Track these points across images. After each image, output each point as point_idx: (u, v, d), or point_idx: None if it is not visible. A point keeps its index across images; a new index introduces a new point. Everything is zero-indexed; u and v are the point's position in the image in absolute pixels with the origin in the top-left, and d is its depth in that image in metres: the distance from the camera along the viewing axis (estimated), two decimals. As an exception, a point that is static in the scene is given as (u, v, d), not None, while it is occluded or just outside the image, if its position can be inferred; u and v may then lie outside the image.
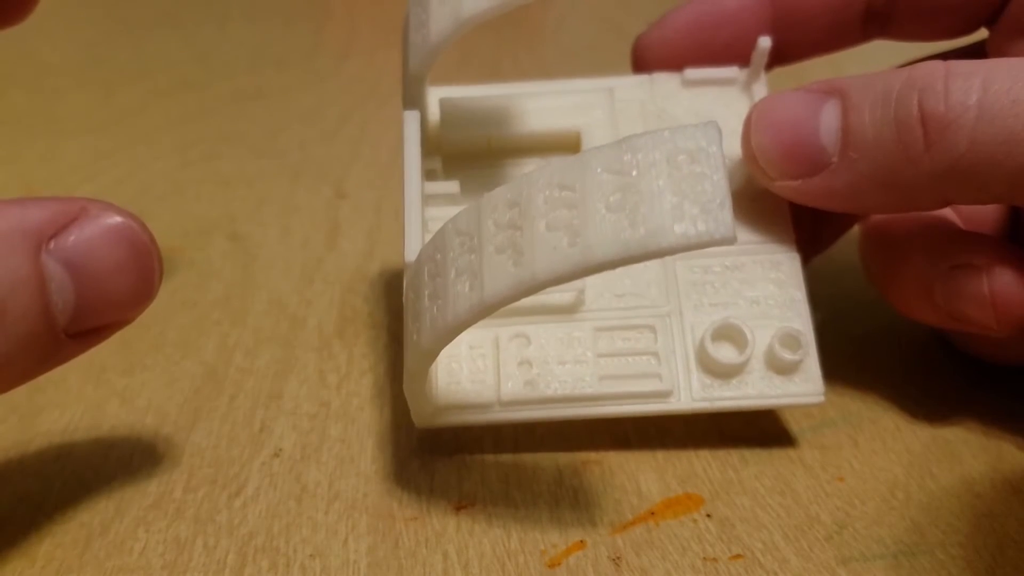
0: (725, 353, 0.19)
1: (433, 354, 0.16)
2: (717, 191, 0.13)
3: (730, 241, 0.13)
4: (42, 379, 0.21)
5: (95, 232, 0.14)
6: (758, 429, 0.20)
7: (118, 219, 0.15)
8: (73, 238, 0.14)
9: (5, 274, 0.13)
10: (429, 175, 0.21)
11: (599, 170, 0.14)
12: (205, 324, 0.23)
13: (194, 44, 0.39)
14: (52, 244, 0.14)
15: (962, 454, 0.20)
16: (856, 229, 0.22)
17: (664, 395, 0.19)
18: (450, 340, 0.16)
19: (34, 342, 0.14)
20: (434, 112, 0.22)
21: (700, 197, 0.13)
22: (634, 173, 0.14)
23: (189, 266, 0.25)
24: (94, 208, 0.15)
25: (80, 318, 0.15)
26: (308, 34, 0.41)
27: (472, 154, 0.21)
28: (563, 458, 0.19)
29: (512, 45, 0.40)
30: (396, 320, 0.23)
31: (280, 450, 0.20)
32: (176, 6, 0.42)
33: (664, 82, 0.22)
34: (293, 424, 0.20)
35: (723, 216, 0.13)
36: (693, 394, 0.19)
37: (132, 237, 0.15)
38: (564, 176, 0.14)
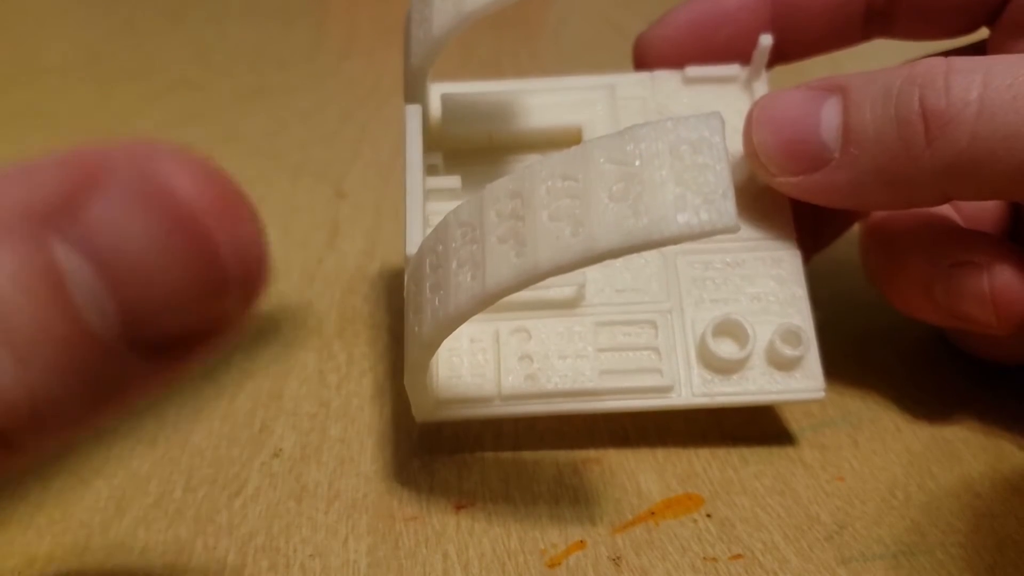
0: (726, 349, 0.19)
1: (434, 345, 0.16)
2: (720, 181, 0.13)
3: (733, 230, 0.13)
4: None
5: (122, 199, 0.10)
6: (758, 428, 0.20)
7: (153, 174, 0.10)
8: (93, 213, 0.10)
9: None
10: (430, 170, 0.21)
11: (602, 160, 0.14)
12: (205, 324, 0.23)
13: (194, 43, 0.39)
14: (65, 225, 0.10)
15: (962, 454, 0.20)
16: (856, 227, 0.22)
17: (664, 390, 0.19)
18: (452, 331, 0.16)
19: (72, 364, 0.10)
20: (435, 107, 0.21)
21: (703, 187, 0.13)
22: (637, 163, 0.14)
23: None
24: (120, 161, 0.10)
25: (136, 324, 0.10)
26: (308, 34, 0.41)
27: (473, 149, 0.21)
28: (563, 457, 0.19)
29: (513, 44, 0.40)
30: (396, 320, 0.23)
31: (280, 450, 0.20)
32: (176, 5, 0.42)
33: (665, 80, 0.22)
34: (293, 424, 0.20)
35: (726, 206, 0.13)
36: (694, 389, 0.19)
37: (170, 201, 0.10)
38: (566, 166, 0.14)
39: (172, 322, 0.11)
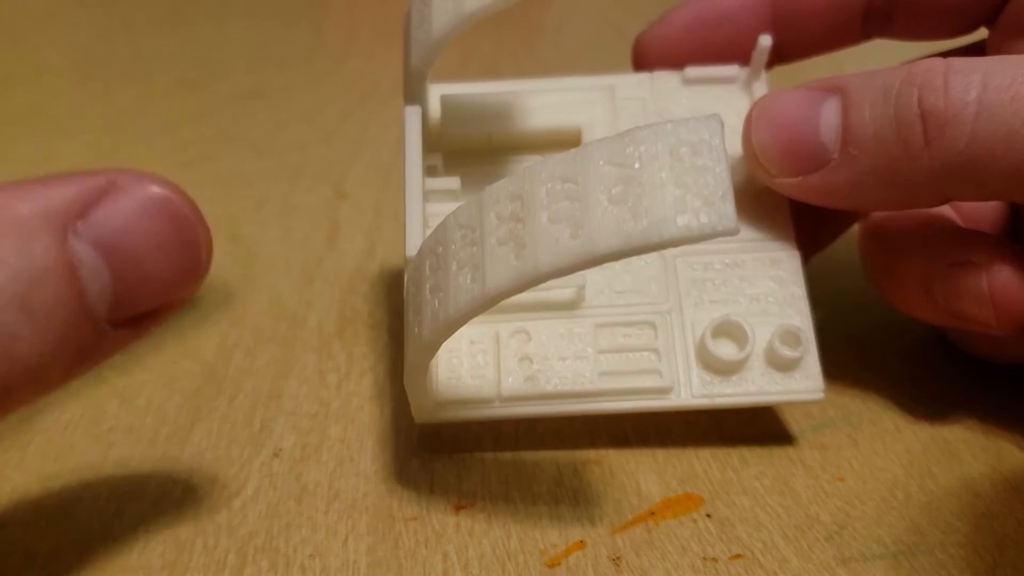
0: (725, 350, 0.19)
1: (434, 347, 0.16)
2: (719, 183, 0.13)
3: (732, 233, 0.13)
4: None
5: (127, 207, 0.13)
6: (758, 429, 0.20)
7: (153, 190, 0.14)
8: (103, 216, 0.13)
9: (28, 264, 0.12)
10: (430, 171, 0.21)
11: (601, 162, 0.14)
12: (205, 324, 0.23)
13: (193, 44, 0.39)
14: (80, 225, 0.13)
15: (962, 454, 0.20)
16: (856, 228, 0.22)
17: (664, 391, 0.19)
18: (452, 333, 0.16)
19: (72, 336, 0.13)
20: (435, 108, 0.22)
21: (702, 189, 0.13)
22: (636, 165, 0.14)
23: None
24: (124, 180, 0.13)
25: (122, 304, 0.13)
26: (308, 34, 0.41)
27: (473, 150, 0.21)
28: (563, 458, 0.19)
29: (512, 45, 0.40)
30: (396, 320, 0.23)
31: (280, 450, 0.20)
32: (175, 6, 0.42)
33: (665, 80, 0.22)
34: (293, 424, 0.20)
35: (725, 208, 0.13)
36: (693, 391, 0.19)
37: (170, 209, 0.14)
38: (566, 168, 0.14)
39: (150, 301, 0.14)
